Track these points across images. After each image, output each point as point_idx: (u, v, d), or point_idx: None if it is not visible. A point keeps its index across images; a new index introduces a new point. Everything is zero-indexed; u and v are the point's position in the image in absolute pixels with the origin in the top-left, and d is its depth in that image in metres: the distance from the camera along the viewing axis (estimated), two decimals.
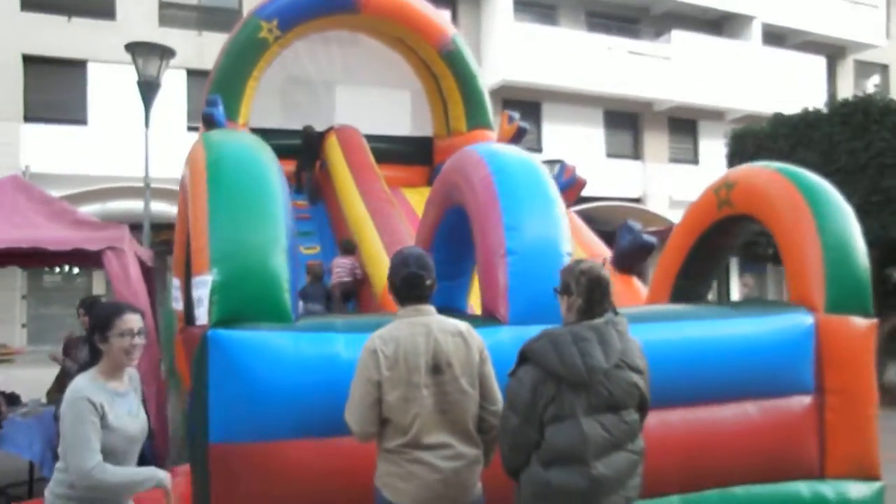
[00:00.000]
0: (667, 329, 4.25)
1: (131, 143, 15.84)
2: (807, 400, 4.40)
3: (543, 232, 4.01)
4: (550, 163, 11.31)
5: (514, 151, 4.60)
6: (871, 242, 9.23)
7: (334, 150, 9.79)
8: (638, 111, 24.40)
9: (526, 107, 23.10)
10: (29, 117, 17.58)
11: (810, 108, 9.77)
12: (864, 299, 4.61)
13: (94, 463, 2.74)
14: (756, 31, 25.34)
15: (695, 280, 6.15)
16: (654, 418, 4.03)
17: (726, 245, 5.99)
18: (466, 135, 10.94)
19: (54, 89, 17.80)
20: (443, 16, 11.23)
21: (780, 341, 4.39)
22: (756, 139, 10.31)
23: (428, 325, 2.92)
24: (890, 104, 9.26)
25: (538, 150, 22.96)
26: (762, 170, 5.38)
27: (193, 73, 18.16)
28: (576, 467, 2.55)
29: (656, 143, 24.63)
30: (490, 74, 22.32)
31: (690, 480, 4.08)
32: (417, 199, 10.77)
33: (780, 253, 4.96)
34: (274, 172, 4.02)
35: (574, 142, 23.48)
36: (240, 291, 3.58)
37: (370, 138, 10.90)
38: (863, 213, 9.05)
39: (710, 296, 8.07)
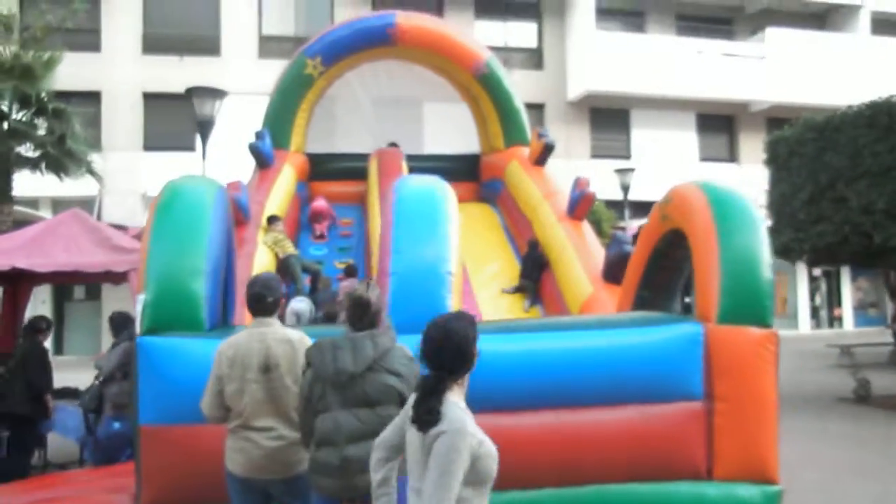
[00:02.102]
0: (553, 339, 4.68)
1: (232, 167, 17.52)
2: (695, 406, 4.65)
3: (425, 255, 4.58)
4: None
5: (421, 182, 5.18)
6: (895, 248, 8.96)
7: (372, 172, 10.64)
8: (733, 113, 23.72)
9: (613, 114, 23.18)
10: (147, 146, 19.81)
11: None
12: (761, 310, 4.77)
13: None
14: (864, 20, 23.91)
15: (654, 291, 6.42)
16: (534, 418, 4.55)
17: (678, 257, 6.20)
18: (504, 152, 11.46)
19: (169, 121, 19.91)
20: (476, 41, 11.80)
21: (665, 351, 4.67)
22: (787, 144, 10.11)
23: (264, 333, 3.62)
24: None
25: (626, 157, 22.92)
26: (689, 185, 5.64)
27: None
28: (332, 449, 3.16)
29: (753, 144, 23.79)
30: (575, 85, 22.59)
31: (567, 476, 4.48)
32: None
33: (693, 266, 5.22)
34: (210, 213, 4.82)
35: (665, 147, 23.20)
36: (163, 308, 4.42)
37: (422, 157, 11.65)
38: (890, 218, 8.81)
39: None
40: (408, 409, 2.58)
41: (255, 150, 10.02)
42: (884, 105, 9.00)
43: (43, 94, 12.66)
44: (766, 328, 4.77)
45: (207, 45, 20.57)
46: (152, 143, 19.86)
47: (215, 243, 4.75)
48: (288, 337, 3.63)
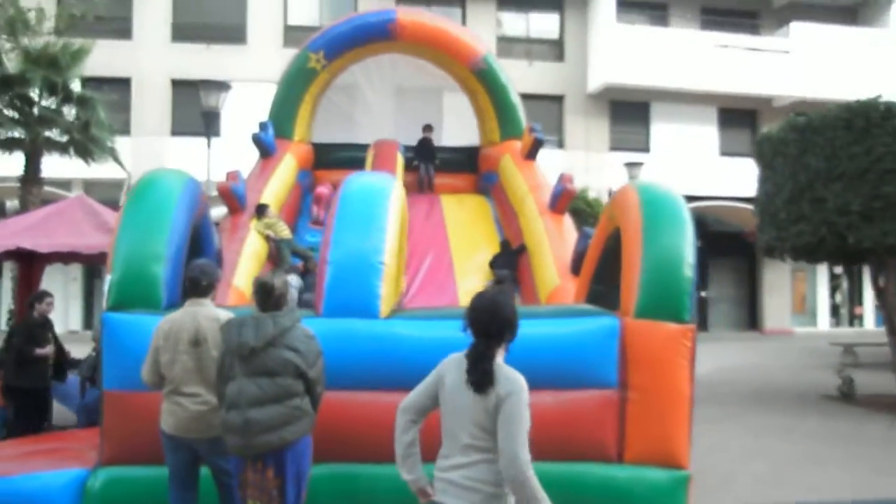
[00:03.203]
0: None
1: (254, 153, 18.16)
2: (609, 394, 5.03)
3: (359, 246, 5.01)
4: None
5: (367, 179, 5.61)
6: (871, 249, 9.09)
7: (368, 162, 11.08)
8: (755, 108, 23.58)
9: (633, 107, 23.25)
10: (175, 131, 20.56)
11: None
12: (678, 307, 5.09)
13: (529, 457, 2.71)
14: (895, 16, 23.50)
15: (606, 285, 6.74)
16: None
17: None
18: (499, 145, 11.78)
19: (195, 107, 20.58)
20: (474, 35, 12.10)
21: (581, 341, 5.05)
22: (772, 144, 10.25)
23: (196, 312, 4.12)
24: (892, 108, 8.92)
25: (645, 150, 23.00)
26: (628, 185, 5.98)
27: None
28: (236, 411, 3.65)
29: None
30: (595, 77, 22.71)
31: None
32: (452, 203, 11.81)
33: (622, 262, 5.57)
34: (175, 204, 5.32)
35: (685, 141, 23.21)
36: (126, 287, 4.95)
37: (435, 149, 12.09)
38: (864, 220, 8.96)
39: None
40: (440, 374, 3.00)
41: (256, 141, 10.54)
42: (860, 108, 9.10)
43: (70, 83, 13.36)
44: (682, 324, 5.10)
45: (233, 33, 21.22)
46: (179, 128, 20.60)
47: (177, 231, 5.25)
48: (217, 316, 4.12)
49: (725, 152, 23.52)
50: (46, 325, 7.46)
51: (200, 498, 4.33)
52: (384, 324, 4.94)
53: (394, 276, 5.16)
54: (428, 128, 12.16)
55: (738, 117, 23.66)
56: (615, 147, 22.90)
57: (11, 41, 11.85)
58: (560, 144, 23.19)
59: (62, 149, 14.03)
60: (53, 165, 14.70)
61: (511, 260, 9.57)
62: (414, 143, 12.05)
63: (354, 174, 5.86)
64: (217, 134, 20.53)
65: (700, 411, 9.88)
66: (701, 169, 22.73)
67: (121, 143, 19.93)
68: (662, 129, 23.20)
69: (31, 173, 13.56)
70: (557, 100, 23.18)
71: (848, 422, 9.36)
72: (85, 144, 13.65)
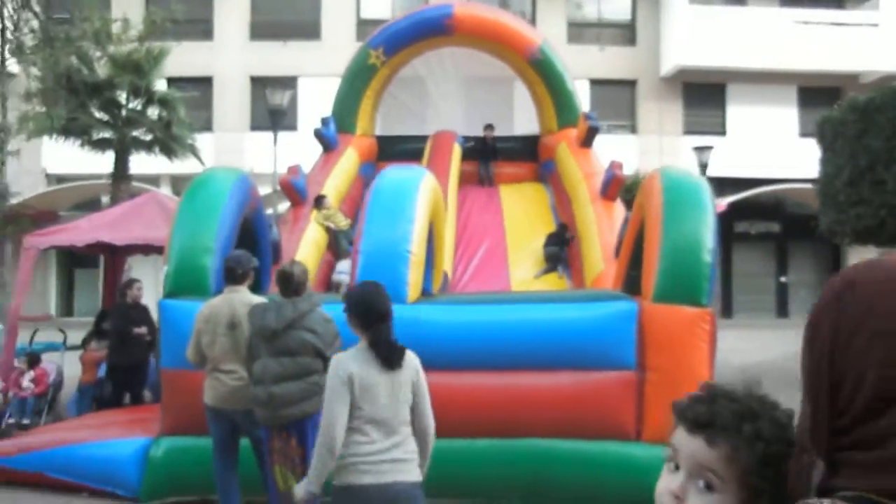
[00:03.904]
0: (500, 312, 5.38)
1: None
2: (627, 375, 5.22)
3: (388, 236, 5.37)
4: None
5: (398, 173, 5.95)
6: None
7: (426, 153, 11.43)
8: (839, 85, 22.57)
9: (708, 90, 22.74)
10: (254, 126, 21.52)
11: None
12: (697, 290, 5.23)
13: None
14: None
15: (639, 270, 6.90)
16: (481, 378, 5.27)
17: None
18: (557, 133, 11.90)
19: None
20: (529, 26, 12.21)
21: (601, 324, 5.26)
22: (832, 125, 9.93)
23: (232, 298, 4.57)
24: None
25: (722, 133, 22.47)
26: (654, 172, 6.10)
27: None
28: (261, 387, 4.07)
29: None
30: (668, 60, 22.34)
31: (506, 429, 5.18)
32: (510, 193, 12.05)
33: (644, 248, 5.72)
34: (224, 201, 5.82)
35: (763, 122, 22.51)
36: (178, 277, 5.49)
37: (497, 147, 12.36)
38: None
39: None
40: (345, 379, 3.01)
41: (318, 136, 11.08)
42: None
43: (153, 86, 14.31)
44: (700, 307, 5.23)
45: (308, 30, 21.97)
46: (258, 123, 21.51)
47: (226, 226, 5.75)
48: (250, 301, 4.55)
49: (805, 133, 22.52)
50: (139, 307, 8.07)
51: (241, 464, 4.80)
52: (411, 308, 5.29)
53: (421, 263, 5.49)
54: (489, 127, 12.33)
55: (820, 96, 22.67)
56: (689, 131, 22.43)
57: (100, 50, 12.80)
58: (633, 129, 22.93)
59: (147, 147, 15.04)
60: (142, 162, 15.75)
61: (561, 241, 9.74)
62: (480, 132, 12.28)
63: (387, 169, 6.21)
64: (293, 128, 21.58)
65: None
66: (780, 151, 22.00)
67: (203, 139, 21.09)
68: (739, 112, 22.56)
69: (120, 171, 14.60)
70: (630, 84, 22.90)
71: None
72: (167, 142, 14.58)
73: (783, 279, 22.66)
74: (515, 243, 10.48)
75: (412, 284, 5.36)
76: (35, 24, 11.27)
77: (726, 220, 21.93)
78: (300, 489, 3.20)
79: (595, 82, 22.67)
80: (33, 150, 19.59)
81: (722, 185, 22.81)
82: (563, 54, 22.46)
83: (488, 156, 12.38)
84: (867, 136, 9.18)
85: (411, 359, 3.19)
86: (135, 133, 14.76)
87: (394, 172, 6.03)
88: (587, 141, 11.11)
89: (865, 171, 9.25)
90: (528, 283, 9.55)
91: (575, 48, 22.82)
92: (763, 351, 15.44)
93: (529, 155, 12.75)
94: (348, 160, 11.24)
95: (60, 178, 20.99)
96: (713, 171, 22.17)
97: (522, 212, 11.30)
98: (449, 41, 11.81)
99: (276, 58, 21.53)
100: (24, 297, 7.97)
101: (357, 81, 11.77)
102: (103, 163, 15.57)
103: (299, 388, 4.07)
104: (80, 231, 8.22)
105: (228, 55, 21.75)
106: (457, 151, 11.55)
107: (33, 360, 8.00)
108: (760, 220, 22.39)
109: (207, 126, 21.58)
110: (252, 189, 6.48)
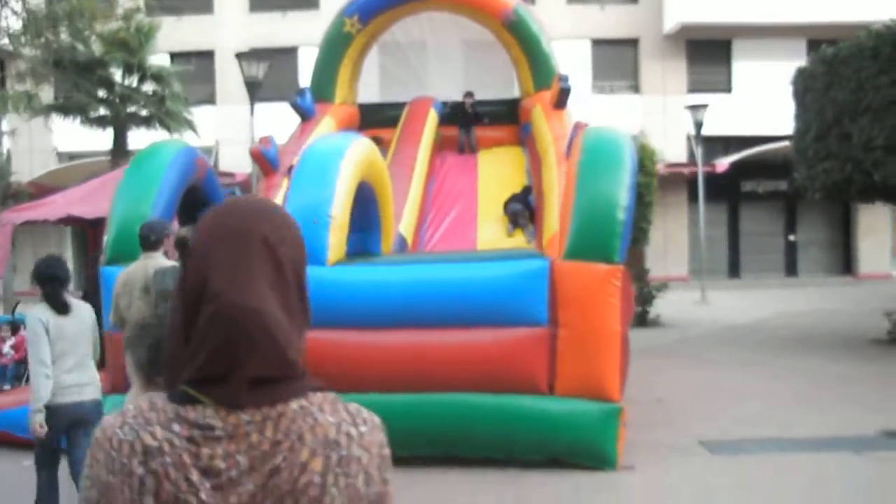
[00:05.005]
0: (416, 271, 5.57)
1: None
2: (539, 331, 5.38)
3: (310, 201, 5.57)
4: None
5: (322, 142, 6.12)
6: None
7: (401, 119, 11.54)
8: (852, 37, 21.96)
9: (714, 46, 22.37)
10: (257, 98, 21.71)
11: None
12: (608, 248, 5.35)
13: None
14: None
15: None
16: (398, 336, 5.48)
17: None
18: (534, 95, 11.90)
19: (272, 73, 21.62)
20: None
21: (512, 282, 5.42)
22: (803, 78, 9.78)
23: (147, 264, 4.83)
24: None
25: (727, 90, 22.13)
26: (587, 128, 6.19)
27: None
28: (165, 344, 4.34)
29: None
30: (671, 17, 21.98)
31: (423, 383, 5.39)
32: (488, 157, 12.14)
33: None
34: (164, 172, 6.06)
35: (770, 78, 22.02)
36: (117, 245, 5.78)
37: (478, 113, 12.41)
38: (890, 154, 8.53)
39: None
40: (41, 325, 4.07)
41: (294, 106, 11.26)
42: (889, 35, 8.55)
43: (145, 62, 14.57)
44: (612, 264, 5.35)
45: (306, 1, 22.01)
46: (259, 94, 21.71)
47: (164, 195, 6.01)
48: (164, 266, 4.81)
49: None
50: None
51: None
52: (330, 270, 5.51)
53: (342, 227, 5.69)
54: (468, 94, 12.37)
55: None
56: (694, 89, 22.10)
57: (87, 28, 13.07)
58: (635, 89, 22.68)
59: (145, 123, 15.37)
60: (145, 137, 16.13)
61: (524, 201, 9.86)
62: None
63: (319, 138, 6.38)
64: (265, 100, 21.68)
65: (732, 354, 10.01)
66: (788, 107, 21.56)
67: (207, 112, 21.43)
68: (745, 67, 22.14)
69: (119, 147, 14.99)
70: (632, 43, 22.58)
71: (877, 364, 9.12)
72: (161, 118, 14.88)
73: (791, 238, 22.39)
74: (486, 206, 10.61)
75: (332, 247, 5.57)
76: (18, 5, 11.60)
77: (732, 180, 21.71)
78: (32, 420, 4.01)
79: (596, 42, 22.42)
80: (44, 130, 20.08)
81: (728, 144, 22.58)
82: (562, 15, 22.44)
83: (468, 123, 12.45)
84: (833, 89, 9.07)
85: (85, 307, 4.27)
86: (131, 109, 15.10)
87: (322, 140, 6.21)
88: (560, 103, 11.10)
89: (832, 124, 9.15)
90: (494, 243, 9.71)
91: (576, 8, 22.58)
92: (766, 309, 15.46)
93: (511, 118, 12.78)
94: (324, 129, 11.39)
95: (72, 156, 21.51)
96: (719, 130, 21.94)
97: (496, 175, 11.39)
98: (424, 6, 11.84)
99: (276, 29, 21.66)
100: (3, 270, 8.37)
101: (333, 50, 11.88)
102: (103, 140, 15.98)
103: None
104: (55, 206, 8.57)
105: (229, 28, 21.94)
106: (432, 117, 11.65)
107: (15, 327, 8.42)
108: (768, 179, 22.06)
109: (210, 99, 21.90)
110: (197, 160, 6.71)
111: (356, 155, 6.03)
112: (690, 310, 15.74)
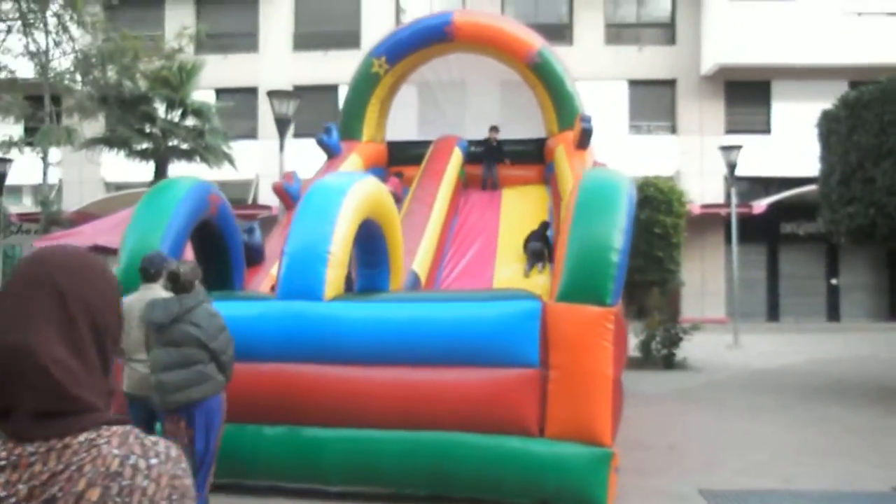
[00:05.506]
0: (407, 309, 5.64)
1: None
2: (531, 373, 5.37)
3: (309, 237, 5.72)
4: None
5: (326, 180, 6.28)
6: None
7: (426, 157, 11.74)
8: None
9: (752, 87, 22.21)
10: (297, 134, 22.25)
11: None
12: (601, 290, 5.34)
13: None
14: None
15: None
16: (387, 372, 5.52)
17: None
18: (558, 136, 12.01)
19: (314, 109, 22.21)
20: (528, 31, 12.32)
21: (504, 323, 5.44)
22: (827, 122, 9.64)
23: (145, 295, 5.01)
24: None
25: (766, 131, 21.90)
26: (590, 170, 6.24)
27: None
28: (153, 374, 4.49)
29: None
30: (709, 58, 21.95)
31: (410, 421, 5.43)
32: (512, 195, 12.23)
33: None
34: (174, 207, 6.28)
35: (810, 120, 21.68)
36: (128, 275, 5.98)
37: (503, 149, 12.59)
38: None
39: None
40: None
41: (320, 143, 11.58)
42: None
43: (187, 98, 15.16)
44: (604, 307, 5.34)
45: (349, 39, 22.62)
46: (301, 130, 22.29)
47: (173, 229, 6.22)
48: (154, 298, 4.99)
49: None
50: None
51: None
52: (326, 306, 5.62)
53: (340, 264, 5.81)
54: (493, 129, 12.57)
55: None
56: (732, 130, 21.91)
57: (130, 66, 13.70)
58: (672, 130, 22.58)
59: (186, 156, 15.93)
60: (188, 170, 16.66)
61: (543, 238, 9.89)
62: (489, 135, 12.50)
63: (324, 176, 6.56)
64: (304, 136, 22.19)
65: (754, 401, 9.78)
66: None
67: (249, 147, 22.07)
68: (785, 109, 21.87)
69: (160, 178, 15.49)
70: (669, 84, 22.57)
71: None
72: (200, 151, 15.41)
73: (834, 281, 21.81)
74: (506, 244, 10.67)
75: (329, 283, 5.69)
76: (72, 45, 12.26)
77: (771, 221, 21.34)
78: None
79: (634, 83, 22.46)
80: (94, 162, 20.93)
81: (767, 185, 22.24)
82: (600, 55, 22.57)
83: (493, 157, 12.59)
84: (857, 133, 8.94)
85: None
86: (172, 143, 15.67)
87: (327, 178, 6.39)
88: (581, 143, 11.17)
89: (856, 168, 9.00)
90: (510, 282, 9.75)
91: (614, 48, 22.70)
92: (800, 354, 15.06)
93: (537, 157, 12.89)
94: (350, 166, 11.66)
95: (118, 186, 22.33)
96: (758, 171, 21.67)
97: (519, 214, 11.46)
98: (450, 48, 12.11)
99: (319, 67, 22.29)
100: None
101: (361, 89, 12.21)
102: (147, 172, 16.59)
103: (185, 376, 4.47)
104: (83, 236, 8.94)
105: (273, 66, 22.65)
106: (457, 155, 11.82)
107: None
108: (808, 221, 21.58)
109: (252, 134, 22.55)
110: (210, 196, 6.92)
111: (360, 193, 6.18)
112: (721, 353, 15.41)
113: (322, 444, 5.49)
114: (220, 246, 7.44)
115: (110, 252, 9.60)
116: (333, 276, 5.72)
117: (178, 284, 4.57)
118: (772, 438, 7.82)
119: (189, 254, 8.52)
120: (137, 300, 5.02)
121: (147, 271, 5.10)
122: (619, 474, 5.65)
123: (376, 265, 7.21)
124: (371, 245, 7.01)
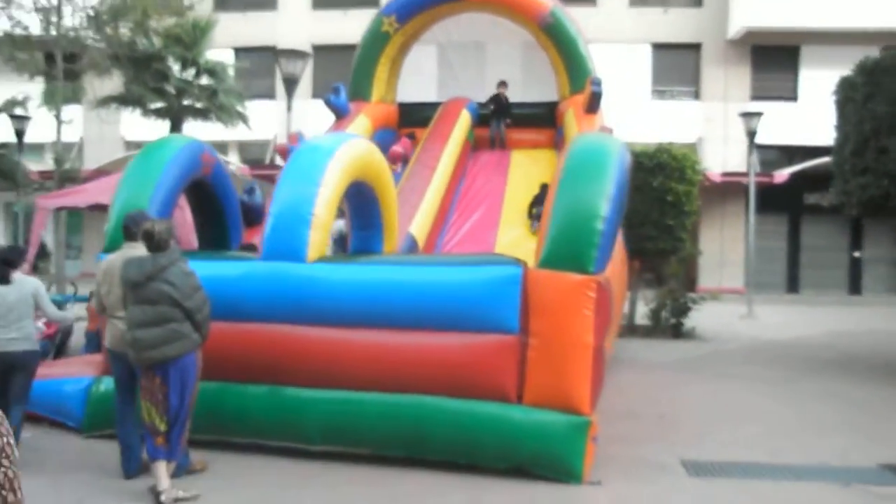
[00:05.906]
0: (388, 272, 5.62)
1: None
2: (510, 339, 5.32)
3: (293, 199, 5.69)
4: None
5: (312, 141, 6.23)
6: None
7: (434, 119, 11.61)
8: None
9: (780, 52, 21.63)
10: (315, 94, 22.23)
11: None
12: (583, 258, 5.26)
13: None
14: None
15: None
16: (364, 335, 5.51)
17: None
18: (569, 99, 11.80)
19: (333, 69, 22.08)
20: None
21: (484, 288, 5.38)
22: (843, 89, 9.29)
23: (127, 254, 5.05)
24: None
25: (793, 98, 21.35)
26: (581, 134, 6.11)
27: None
28: (129, 332, 4.54)
29: None
30: (736, 22, 21.36)
31: (390, 383, 5.44)
32: (521, 158, 12.08)
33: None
34: (164, 166, 6.28)
35: None
36: (115, 233, 6.03)
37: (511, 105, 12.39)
38: None
39: None
40: None
41: (328, 103, 11.49)
42: None
43: (200, 57, 15.12)
44: (586, 275, 5.26)
45: None
46: (319, 90, 22.21)
47: (162, 188, 6.24)
48: (131, 257, 5.02)
49: None
50: None
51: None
52: (308, 267, 5.62)
53: (324, 225, 5.78)
54: (502, 84, 12.37)
55: None
56: (757, 96, 21.41)
57: (140, 23, 13.64)
58: (696, 95, 22.10)
59: (200, 115, 15.96)
60: (209, 130, 16.63)
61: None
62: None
63: (311, 137, 6.50)
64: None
65: (759, 372, 9.68)
66: None
67: (268, 106, 22.04)
68: (813, 76, 21.25)
69: None
70: (694, 48, 22.03)
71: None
72: (214, 110, 15.42)
73: (857, 254, 21.39)
74: (511, 208, 10.59)
75: (312, 244, 5.67)
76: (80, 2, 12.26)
77: (794, 191, 20.90)
78: None
79: (658, 46, 21.97)
80: (113, 121, 21.07)
81: (792, 154, 21.75)
82: (624, 18, 22.05)
83: (501, 114, 12.37)
84: (873, 101, 8.62)
85: (29, 282, 5.30)
86: (186, 102, 15.70)
87: (313, 139, 6.33)
88: (591, 107, 10.98)
89: (871, 137, 8.71)
90: (513, 245, 9.68)
91: (638, 10, 22.16)
92: (815, 327, 14.86)
93: (548, 121, 12.68)
94: (358, 127, 11.58)
95: (138, 145, 22.48)
96: (782, 139, 21.18)
97: (526, 177, 11.34)
98: (460, 7, 11.90)
99: (338, 27, 22.08)
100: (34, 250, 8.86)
101: (371, 49, 12.08)
102: (165, 131, 16.67)
103: (159, 334, 4.52)
104: (85, 194, 9.01)
105: (291, 25, 22.49)
106: (465, 117, 11.68)
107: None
108: None
109: (270, 94, 22.51)
110: (203, 156, 6.92)
111: (348, 154, 6.12)
112: (734, 324, 15.26)
113: (303, 404, 5.53)
114: (216, 206, 7.47)
115: None
116: (317, 237, 5.70)
117: (152, 243, 4.60)
118: (768, 411, 7.74)
119: (187, 213, 8.60)
120: (119, 258, 5.06)
121: (129, 230, 5.13)
122: (603, 443, 5.63)
123: (369, 227, 7.19)
124: (364, 207, 6.98)
